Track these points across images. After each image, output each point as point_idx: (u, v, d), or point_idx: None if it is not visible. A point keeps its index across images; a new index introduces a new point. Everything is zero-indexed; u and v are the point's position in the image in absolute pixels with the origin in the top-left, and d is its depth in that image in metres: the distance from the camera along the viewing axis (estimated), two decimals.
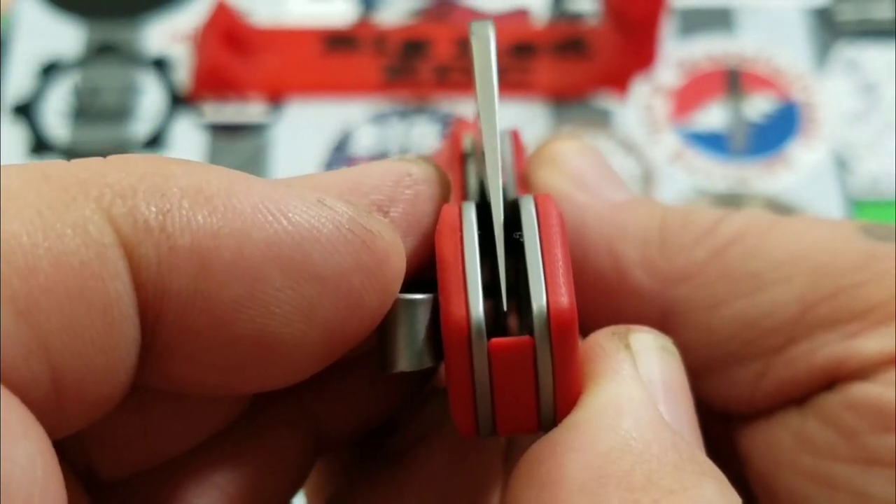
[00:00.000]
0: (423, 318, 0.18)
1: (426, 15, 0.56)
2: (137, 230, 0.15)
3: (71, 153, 0.51)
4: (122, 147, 0.51)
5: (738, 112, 0.52)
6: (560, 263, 0.17)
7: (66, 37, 0.55)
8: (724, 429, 0.23)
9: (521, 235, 0.18)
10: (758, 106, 0.52)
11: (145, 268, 0.15)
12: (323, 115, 0.52)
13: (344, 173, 0.19)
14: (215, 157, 0.51)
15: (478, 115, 0.19)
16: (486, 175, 0.19)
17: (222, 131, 0.52)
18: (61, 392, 0.15)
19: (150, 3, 0.56)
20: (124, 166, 0.16)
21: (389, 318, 0.18)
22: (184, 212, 0.15)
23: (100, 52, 0.54)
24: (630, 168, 0.50)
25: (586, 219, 0.22)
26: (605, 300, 0.22)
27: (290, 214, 0.16)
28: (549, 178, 0.23)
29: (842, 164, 0.50)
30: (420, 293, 0.18)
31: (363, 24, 0.56)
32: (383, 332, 0.18)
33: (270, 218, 0.16)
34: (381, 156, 0.51)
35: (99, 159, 0.16)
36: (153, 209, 0.15)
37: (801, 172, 0.50)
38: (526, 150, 0.25)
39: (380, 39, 0.54)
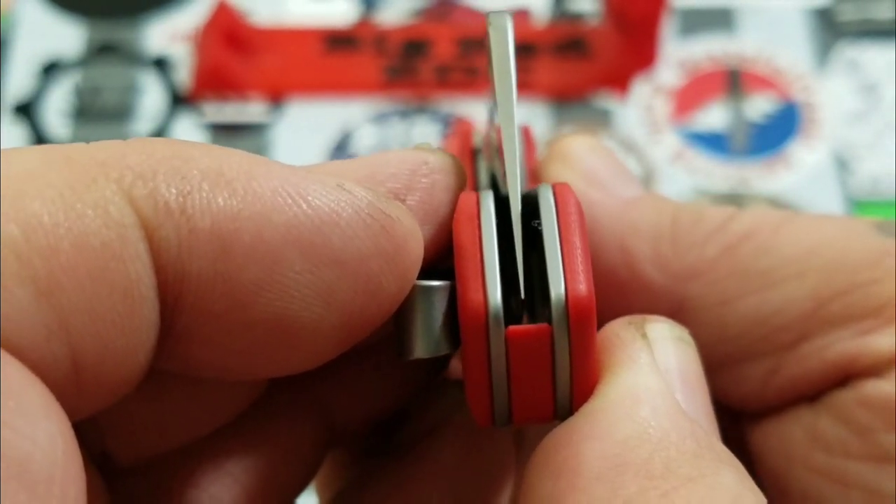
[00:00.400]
0: (440, 305, 0.18)
1: (426, 15, 0.56)
2: (158, 212, 0.15)
3: None
4: None
5: (739, 112, 0.52)
6: (579, 251, 0.17)
7: (67, 36, 0.55)
8: (735, 425, 0.23)
9: (539, 224, 0.18)
10: (758, 106, 0.52)
11: (165, 250, 0.15)
12: (323, 114, 0.52)
13: (361, 161, 0.19)
14: None
15: (494, 107, 0.19)
16: (504, 164, 0.19)
17: (223, 131, 0.52)
18: (81, 373, 0.15)
19: (151, 2, 0.56)
20: (144, 149, 0.16)
21: (407, 305, 0.18)
22: (204, 194, 0.15)
23: (100, 51, 0.54)
24: (631, 168, 0.50)
25: (598, 215, 0.22)
26: (616, 296, 0.22)
27: (310, 198, 0.16)
28: (561, 174, 0.23)
29: (842, 165, 0.50)
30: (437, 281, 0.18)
31: (363, 23, 0.56)
32: (400, 318, 0.18)
33: (290, 201, 0.16)
34: None
35: (119, 142, 0.16)
36: (173, 191, 0.15)
37: (801, 172, 0.50)
38: (536, 146, 0.25)
39: (380, 39, 0.54)
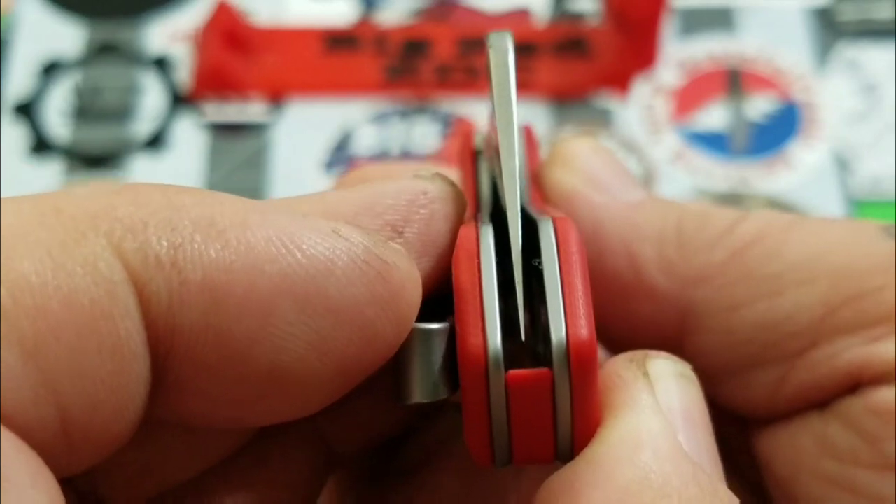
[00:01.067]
0: (439, 348, 0.18)
1: (427, 15, 0.56)
2: (148, 266, 0.15)
3: (71, 153, 0.51)
4: (123, 147, 0.51)
5: (739, 112, 0.52)
6: (580, 294, 0.17)
7: (67, 36, 0.55)
8: (742, 432, 0.23)
9: (540, 262, 0.17)
10: (759, 106, 0.52)
11: (156, 304, 0.15)
12: (324, 114, 0.52)
13: (358, 192, 0.18)
14: (216, 157, 0.51)
15: (495, 132, 0.19)
16: (505, 194, 0.18)
17: (223, 131, 0.52)
18: (70, 433, 0.14)
19: (151, 2, 0.56)
20: (135, 198, 0.15)
21: (405, 348, 0.18)
22: (196, 246, 0.15)
23: (101, 51, 0.54)
24: (631, 168, 0.50)
25: (602, 219, 0.22)
26: (622, 302, 0.22)
27: (305, 247, 0.16)
28: (564, 178, 0.23)
29: (842, 164, 0.50)
30: (436, 315, 0.18)
31: (364, 23, 0.56)
32: (398, 362, 0.18)
33: (284, 251, 0.16)
34: (382, 156, 0.51)
35: (110, 190, 0.16)
36: (164, 244, 0.15)
37: (801, 172, 0.50)
38: (539, 147, 0.25)
39: (380, 39, 0.54)
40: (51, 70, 0.54)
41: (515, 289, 0.18)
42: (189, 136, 0.52)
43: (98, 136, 0.52)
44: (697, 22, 0.55)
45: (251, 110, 0.52)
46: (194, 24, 0.55)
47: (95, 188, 0.16)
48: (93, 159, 0.51)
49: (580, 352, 0.17)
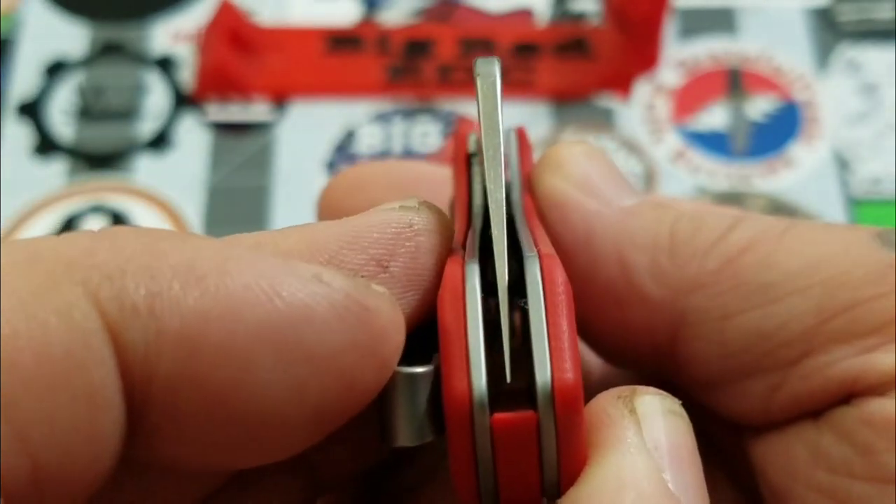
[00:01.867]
0: (423, 391, 0.18)
1: (429, 15, 0.56)
2: (124, 314, 0.15)
3: (75, 152, 0.51)
4: (127, 146, 0.51)
5: (740, 112, 0.52)
6: (566, 336, 0.17)
7: (72, 36, 0.55)
8: (736, 440, 0.22)
9: (526, 303, 0.17)
10: (759, 106, 0.52)
11: (132, 352, 0.15)
12: (326, 114, 0.53)
13: (343, 225, 0.18)
14: (219, 156, 0.51)
15: (482, 161, 0.19)
16: (493, 234, 0.18)
17: (226, 130, 0.52)
18: (41, 482, 0.14)
19: (155, 3, 0.56)
20: (114, 243, 0.15)
21: (388, 392, 0.18)
22: (174, 293, 0.15)
23: (105, 51, 0.55)
24: (632, 168, 0.51)
25: (595, 226, 0.22)
26: (614, 309, 0.22)
27: (285, 294, 0.16)
28: (556, 184, 0.22)
29: (843, 164, 0.50)
30: (422, 349, 0.18)
31: (366, 23, 0.56)
32: (382, 404, 0.18)
33: (263, 298, 0.15)
34: (384, 155, 0.51)
35: (89, 234, 0.16)
36: (142, 292, 0.15)
37: (802, 172, 0.50)
38: (532, 149, 0.24)
39: (383, 39, 0.55)
40: (55, 70, 0.54)
41: (501, 330, 0.17)
42: (192, 136, 0.52)
43: (102, 136, 0.52)
44: (698, 22, 0.55)
45: (254, 110, 0.53)
46: (198, 25, 0.55)
47: (75, 234, 0.16)
48: (97, 159, 0.51)
49: (565, 395, 0.17)
